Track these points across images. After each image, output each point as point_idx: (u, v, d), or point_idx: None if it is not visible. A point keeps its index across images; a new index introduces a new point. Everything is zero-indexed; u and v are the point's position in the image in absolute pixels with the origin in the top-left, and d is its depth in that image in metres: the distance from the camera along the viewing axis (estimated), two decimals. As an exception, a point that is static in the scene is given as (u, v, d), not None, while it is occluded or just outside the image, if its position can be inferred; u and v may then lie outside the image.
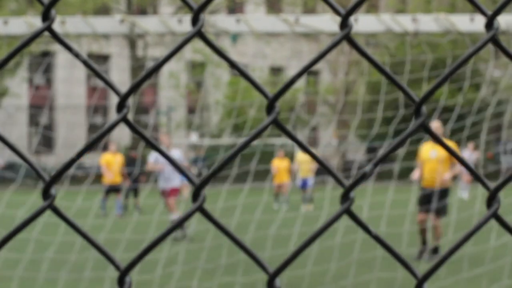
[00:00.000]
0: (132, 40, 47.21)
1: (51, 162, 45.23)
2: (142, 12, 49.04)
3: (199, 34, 1.30)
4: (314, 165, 26.28)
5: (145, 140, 1.32)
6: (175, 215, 16.66)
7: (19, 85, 50.36)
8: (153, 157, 17.47)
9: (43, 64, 54.65)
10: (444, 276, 10.68)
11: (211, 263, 12.44)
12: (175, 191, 17.22)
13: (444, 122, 14.73)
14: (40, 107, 57.17)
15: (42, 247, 14.05)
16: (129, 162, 26.01)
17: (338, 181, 1.36)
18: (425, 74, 15.07)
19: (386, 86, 17.68)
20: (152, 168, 17.53)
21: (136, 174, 25.37)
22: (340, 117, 49.80)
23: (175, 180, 17.17)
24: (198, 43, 39.51)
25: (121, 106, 1.27)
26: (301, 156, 26.38)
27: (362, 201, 15.76)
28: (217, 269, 11.80)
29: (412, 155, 14.54)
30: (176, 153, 17.29)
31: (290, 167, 27.08)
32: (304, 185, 26.22)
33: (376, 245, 11.67)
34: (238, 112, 37.69)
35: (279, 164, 27.13)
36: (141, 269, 11.23)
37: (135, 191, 25.55)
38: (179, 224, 1.29)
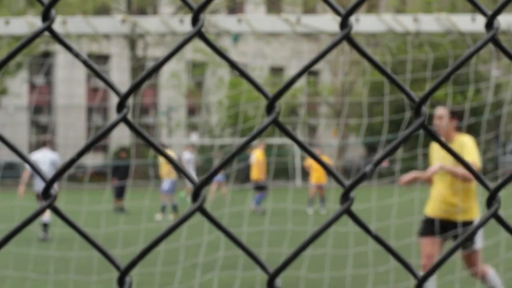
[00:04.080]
0: (132, 40, 47.23)
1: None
2: (142, 12, 49.05)
3: (199, 34, 1.30)
4: (170, 167, 22.60)
5: (145, 140, 1.32)
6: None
7: (19, 85, 50.39)
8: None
9: (45, 65, 54.71)
10: (439, 275, 10.69)
11: (209, 258, 12.45)
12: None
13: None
14: (40, 107, 57.19)
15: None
16: (119, 163, 25.95)
17: (339, 181, 1.36)
18: (427, 74, 15.06)
19: (388, 86, 17.69)
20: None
21: (124, 174, 25.23)
22: (341, 117, 49.80)
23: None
24: (199, 43, 39.53)
25: (121, 106, 1.27)
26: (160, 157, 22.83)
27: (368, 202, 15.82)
28: (216, 264, 11.81)
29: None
30: None
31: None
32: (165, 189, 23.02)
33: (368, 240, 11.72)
34: (241, 114, 37.65)
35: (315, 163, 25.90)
36: (141, 267, 11.24)
37: (121, 192, 25.07)
38: (179, 224, 1.29)
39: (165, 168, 22.79)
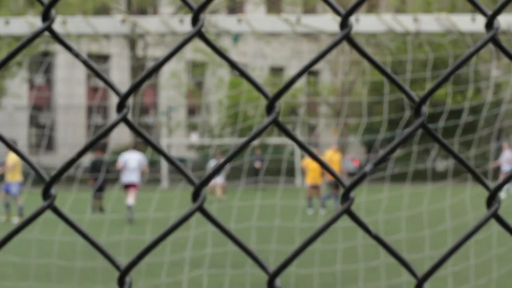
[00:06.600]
0: (132, 40, 47.23)
1: (51, 162, 45.21)
2: (142, 12, 49.05)
3: (199, 34, 1.29)
4: (16, 169, 21.75)
5: (145, 140, 1.32)
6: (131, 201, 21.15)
7: (19, 85, 50.37)
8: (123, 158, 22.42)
9: (44, 64, 54.66)
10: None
11: (197, 253, 12.41)
12: (134, 186, 22.01)
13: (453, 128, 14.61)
14: (40, 107, 57.18)
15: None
16: (96, 162, 25.53)
17: (339, 181, 1.36)
18: (427, 74, 15.06)
19: (388, 86, 17.69)
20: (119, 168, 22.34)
21: (102, 174, 24.69)
22: (340, 116, 49.81)
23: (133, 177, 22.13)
24: (199, 43, 39.49)
25: (121, 106, 1.27)
26: (12, 157, 21.82)
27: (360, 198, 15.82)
28: (204, 260, 11.78)
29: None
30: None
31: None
32: (7, 190, 21.77)
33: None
34: (241, 113, 37.66)
35: (311, 162, 24.68)
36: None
37: (100, 191, 24.45)
38: (179, 224, 1.29)
39: (14, 169, 21.75)
